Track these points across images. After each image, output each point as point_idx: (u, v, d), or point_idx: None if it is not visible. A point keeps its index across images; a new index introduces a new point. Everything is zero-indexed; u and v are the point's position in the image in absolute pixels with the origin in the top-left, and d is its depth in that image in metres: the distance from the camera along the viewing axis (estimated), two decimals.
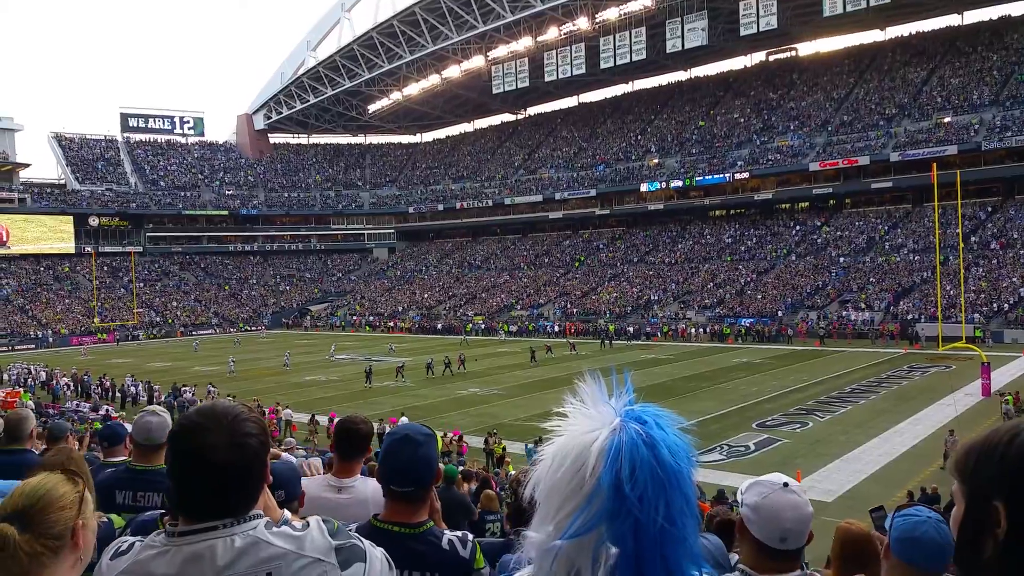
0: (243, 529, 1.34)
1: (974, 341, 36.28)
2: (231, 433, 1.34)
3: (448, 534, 2.08)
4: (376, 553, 1.44)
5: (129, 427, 3.86)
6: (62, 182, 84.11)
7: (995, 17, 68.43)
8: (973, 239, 52.04)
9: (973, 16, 69.76)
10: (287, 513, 1.94)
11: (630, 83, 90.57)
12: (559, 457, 1.06)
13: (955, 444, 18.95)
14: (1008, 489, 0.91)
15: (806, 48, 79.17)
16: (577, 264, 73.17)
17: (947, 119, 59.00)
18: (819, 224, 63.34)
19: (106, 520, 2.56)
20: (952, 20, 71.11)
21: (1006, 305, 44.48)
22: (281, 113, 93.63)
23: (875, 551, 2.49)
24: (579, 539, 1.03)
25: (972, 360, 31.25)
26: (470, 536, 2.09)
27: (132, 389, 34.51)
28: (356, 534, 1.43)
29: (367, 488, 3.08)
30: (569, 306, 64.03)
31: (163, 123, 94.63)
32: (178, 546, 1.33)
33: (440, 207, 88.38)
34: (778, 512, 1.78)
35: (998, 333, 41.94)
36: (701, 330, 51.83)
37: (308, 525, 1.38)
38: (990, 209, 55.53)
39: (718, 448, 21.72)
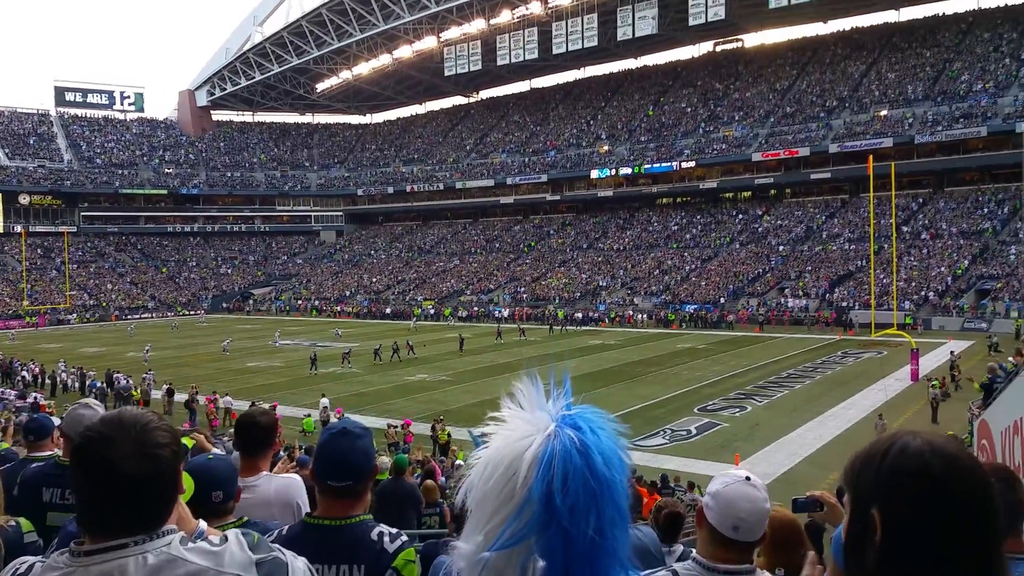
0: (156, 546, 1.25)
1: (905, 328, 37.76)
2: (140, 443, 1.26)
3: (380, 527, 2.02)
4: (298, 564, 1.38)
5: (58, 420, 3.77)
6: None
7: (928, 15, 70.78)
8: (905, 229, 54.01)
9: (909, 13, 72.03)
10: (203, 524, 1.88)
11: (582, 69, 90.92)
12: (491, 464, 1.04)
13: (884, 427, 19.84)
14: (882, 497, 0.96)
15: (752, 39, 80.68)
16: (527, 249, 73.47)
17: (883, 112, 60.92)
18: (760, 213, 64.87)
19: (13, 524, 2.45)
20: (889, 16, 73.33)
21: (932, 294, 46.36)
22: (225, 89, 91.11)
23: (800, 538, 2.65)
24: (508, 551, 1.01)
25: (903, 346, 32.55)
26: (404, 536, 2.04)
27: (63, 376, 33.41)
28: (278, 546, 1.37)
29: (271, 487, 2.97)
30: (519, 291, 64.35)
31: (101, 98, 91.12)
32: (85, 567, 1.22)
33: (390, 190, 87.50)
34: (734, 501, 1.84)
35: (927, 320, 43.75)
36: (646, 316, 52.72)
37: (226, 539, 1.32)
38: (921, 200, 57.67)
39: (661, 432, 22.23)
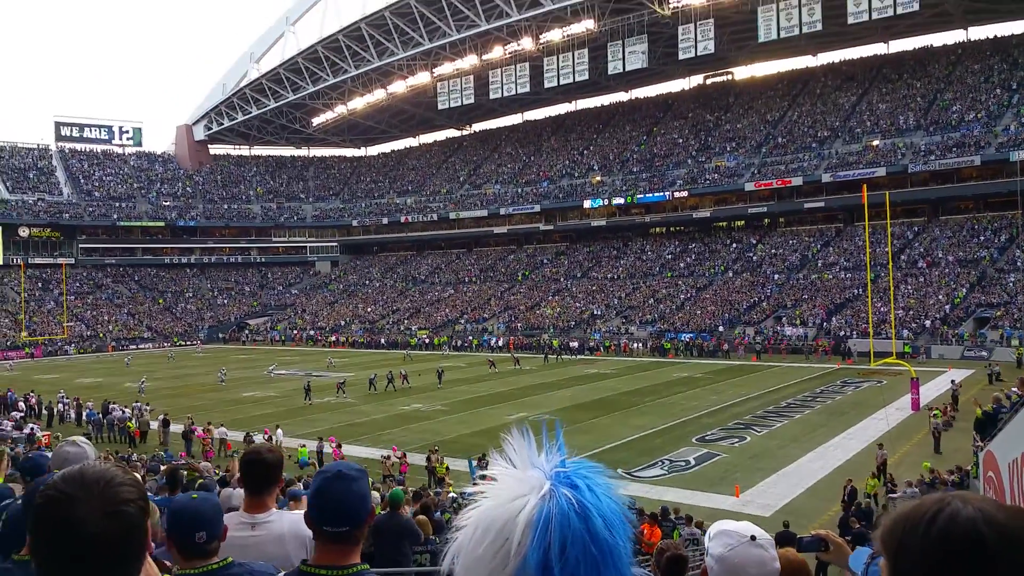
0: None
1: (904, 357, 37.66)
2: (104, 501, 1.16)
3: None
4: None
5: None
6: None
7: (918, 47, 71.83)
8: (902, 258, 54.18)
9: (897, 45, 73.16)
10: None
11: (573, 102, 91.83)
12: (482, 527, 0.95)
13: (884, 457, 19.66)
14: (929, 569, 0.87)
15: (742, 72, 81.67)
16: (521, 279, 73.48)
17: (876, 142, 61.47)
18: (754, 242, 65.08)
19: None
20: (879, 48, 74.38)
21: (928, 322, 46.33)
22: (222, 124, 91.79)
23: None
24: None
25: (902, 375, 32.42)
26: None
27: (61, 406, 33.09)
28: None
29: (283, 523, 2.93)
30: (513, 320, 64.21)
31: (99, 132, 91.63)
32: None
33: (385, 220, 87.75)
34: (742, 567, 1.73)
35: (927, 349, 43.66)
36: (642, 345, 52.55)
37: None
38: (917, 229, 57.94)
39: (659, 463, 21.98)
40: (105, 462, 1.28)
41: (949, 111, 60.85)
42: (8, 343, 65.07)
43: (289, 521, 2.96)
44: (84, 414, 31.47)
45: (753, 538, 1.77)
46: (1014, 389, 15.87)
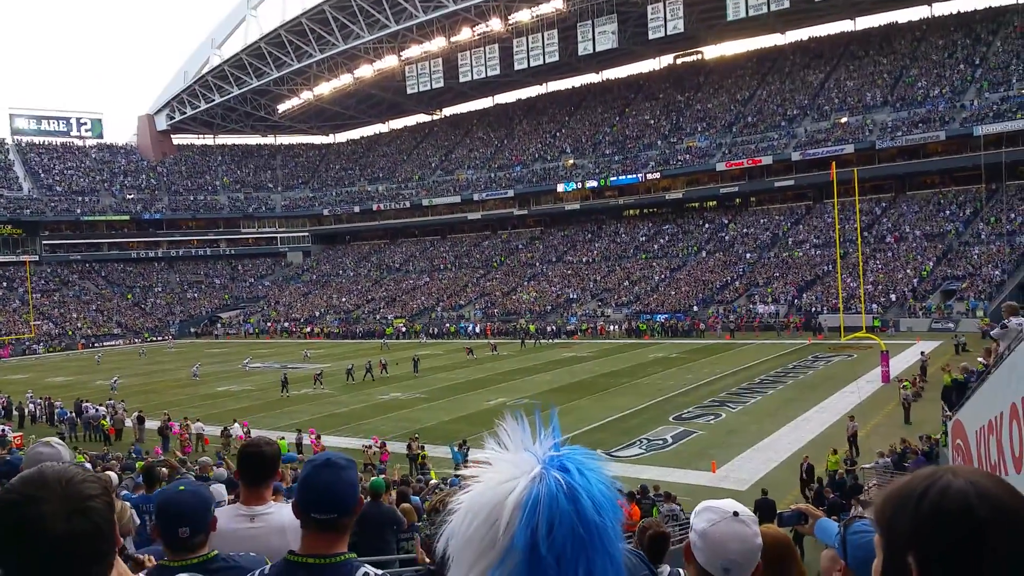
0: None
1: (873, 330, 38.30)
2: (67, 500, 1.13)
3: (365, 567, 1.91)
4: None
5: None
6: None
7: (884, 23, 72.55)
8: (870, 233, 54.96)
9: (864, 22, 73.89)
10: None
11: (544, 84, 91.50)
12: (473, 510, 0.97)
13: (855, 429, 20.04)
14: (920, 543, 0.88)
15: (712, 51, 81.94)
16: (496, 265, 73.41)
17: (844, 119, 62.12)
18: (726, 222, 65.60)
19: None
20: (845, 26, 75.01)
21: (896, 296, 47.13)
22: (185, 113, 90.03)
23: (792, 554, 2.57)
24: None
25: (872, 349, 33.00)
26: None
27: (31, 406, 32.52)
28: None
29: (283, 514, 2.89)
30: (490, 307, 64.20)
31: (58, 124, 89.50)
32: None
33: (356, 209, 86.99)
34: (723, 542, 1.74)
35: (896, 322, 44.44)
36: (617, 327, 52.84)
37: None
38: (884, 205, 58.78)
39: (638, 443, 22.20)
40: (70, 465, 1.24)
41: (915, 87, 61.65)
42: None
43: (289, 513, 2.94)
44: (55, 413, 30.97)
45: (736, 514, 1.78)
46: (980, 359, 16.21)
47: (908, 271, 49.52)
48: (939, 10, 69.91)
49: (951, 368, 19.53)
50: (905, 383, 24.19)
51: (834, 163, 43.59)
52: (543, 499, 0.94)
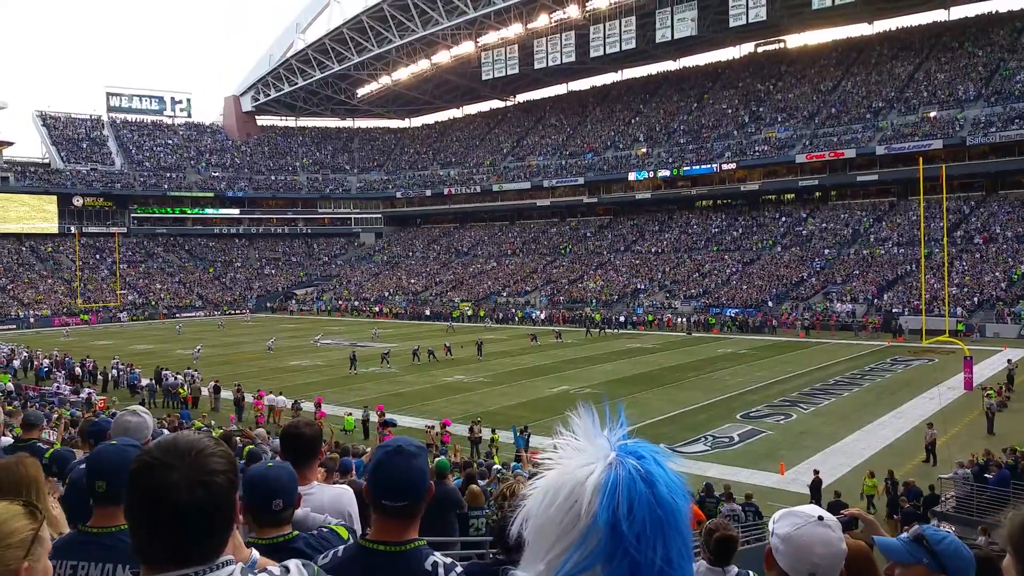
0: None
1: (957, 335, 36.64)
2: (195, 470, 1.19)
3: (435, 556, 1.95)
4: None
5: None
6: (46, 161, 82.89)
7: (981, 13, 68.83)
8: (957, 233, 52.49)
9: (959, 12, 70.11)
10: (255, 554, 1.84)
11: (619, 72, 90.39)
12: (551, 492, 1.00)
13: (933, 436, 19.22)
14: None
15: (794, 40, 79.31)
16: (564, 252, 73.20)
17: (933, 113, 59.32)
18: (804, 216, 63.64)
19: (73, 531, 2.40)
20: (939, 15, 71.43)
21: (981, 300, 44.90)
22: (269, 95, 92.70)
23: (872, 566, 2.48)
24: None
25: (955, 354, 31.57)
26: (459, 568, 1.95)
27: (114, 372, 34.17)
28: None
29: (324, 496, 3.00)
30: (556, 294, 64.13)
31: (150, 103, 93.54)
32: None
33: (428, 192, 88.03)
34: (809, 546, 1.71)
35: (981, 327, 42.41)
36: (685, 319, 52.01)
37: (287, 570, 1.29)
38: (974, 204, 55.99)
39: (703, 439, 21.85)
40: (197, 432, 1.30)
41: (1012, 80, 58.30)
42: (63, 310, 67.35)
43: (330, 495, 3.05)
44: (127, 379, 32.55)
45: (820, 518, 1.76)
46: None
47: (997, 274, 47.12)
48: None
49: None
50: (990, 391, 23.06)
51: (921, 158, 41.67)
52: (622, 481, 0.97)
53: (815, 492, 15.82)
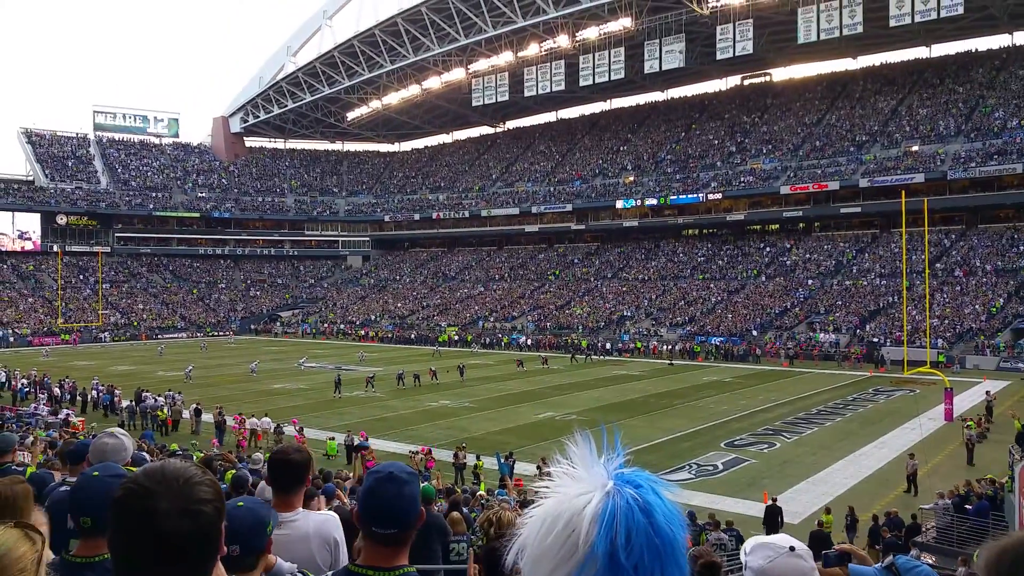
0: None
1: (938, 366, 36.97)
2: (182, 498, 1.18)
3: None
4: None
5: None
6: (30, 178, 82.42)
7: (961, 51, 70.38)
8: (938, 265, 53.16)
9: (940, 49, 71.85)
10: None
11: (608, 101, 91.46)
12: (548, 521, 0.99)
13: (915, 467, 19.33)
14: None
15: (780, 73, 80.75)
16: (552, 278, 73.42)
17: (915, 148, 60.35)
18: (789, 246, 64.29)
19: (56, 558, 2.28)
20: (920, 52, 72.97)
21: (961, 331, 45.37)
22: (258, 117, 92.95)
23: None
24: None
25: (936, 385, 31.85)
26: None
27: (94, 393, 33.71)
28: None
29: (309, 523, 2.96)
30: (543, 320, 64.20)
31: (137, 122, 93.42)
32: None
33: (416, 216, 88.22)
34: None
35: (962, 359, 42.82)
36: (671, 347, 52.15)
37: None
38: (954, 237, 56.80)
39: (687, 467, 21.85)
40: (183, 460, 1.30)
41: (991, 117, 59.53)
42: (43, 329, 66.54)
43: (315, 521, 3.00)
44: (103, 400, 32.13)
45: (792, 549, 1.74)
46: None
47: (977, 306, 47.69)
48: (1021, 39, 67.40)
49: (1016, 415, 18.60)
50: (970, 423, 23.28)
51: (903, 191, 42.31)
52: (620, 511, 0.97)
53: (771, 520, 15.54)
